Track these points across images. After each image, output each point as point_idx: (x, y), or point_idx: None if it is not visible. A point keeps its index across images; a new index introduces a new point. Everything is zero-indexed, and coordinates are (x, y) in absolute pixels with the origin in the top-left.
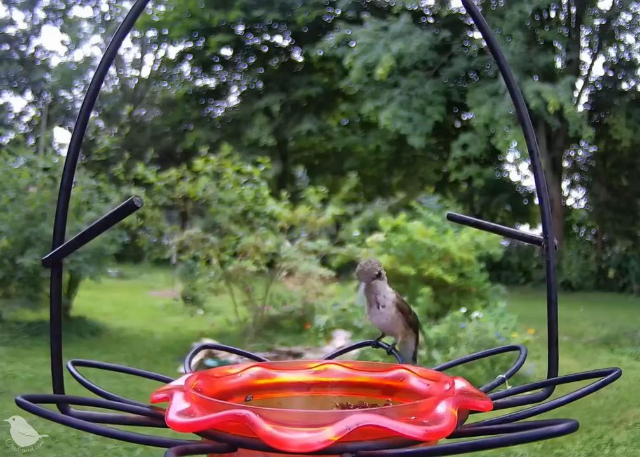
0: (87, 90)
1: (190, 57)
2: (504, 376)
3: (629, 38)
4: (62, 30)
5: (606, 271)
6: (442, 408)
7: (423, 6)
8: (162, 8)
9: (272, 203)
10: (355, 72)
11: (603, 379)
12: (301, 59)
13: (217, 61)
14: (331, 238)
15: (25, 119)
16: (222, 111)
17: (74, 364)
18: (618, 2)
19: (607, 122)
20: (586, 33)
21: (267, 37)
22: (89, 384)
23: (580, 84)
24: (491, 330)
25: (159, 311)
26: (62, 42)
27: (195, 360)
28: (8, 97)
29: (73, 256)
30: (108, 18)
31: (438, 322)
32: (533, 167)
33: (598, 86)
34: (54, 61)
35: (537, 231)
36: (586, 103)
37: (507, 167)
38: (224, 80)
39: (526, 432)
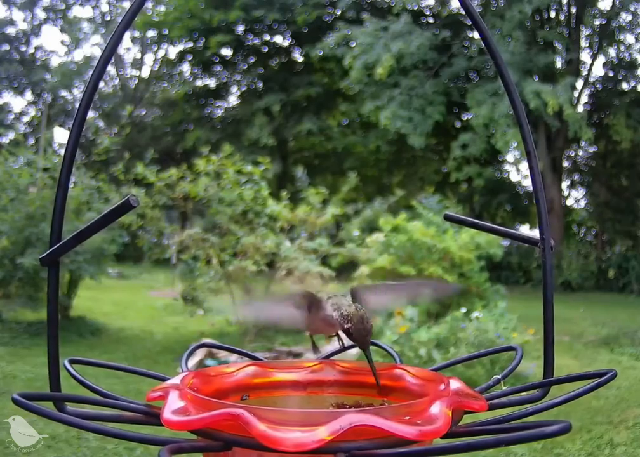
0: (85, 88)
1: (190, 57)
2: (499, 376)
3: (629, 38)
4: (62, 30)
5: (606, 271)
6: (436, 408)
7: (423, 6)
8: (162, 8)
9: (273, 203)
10: (355, 72)
11: (598, 381)
12: (301, 59)
13: (217, 61)
14: (331, 238)
15: (25, 119)
16: (222, 111)
17: (72, 362)
18: (618, 2)
19: (607, 122)
20: (587, 33)
21: (267, 37)
22: (86, 382)
23: (580, 84)
24: (491, 330)
25: (159, 311)
26: (62, 42)
27: (195, 359)
28: (8, 97)
29: (73, 255)
30: (108, 18)
31: (438, 322)
32: (530, 168)
33: (598, 86)
34: (54, 61)
35: (537, 232)
36: (586, 103)
37: (507, 167)
38: (224, 80)
39: (519, 433)
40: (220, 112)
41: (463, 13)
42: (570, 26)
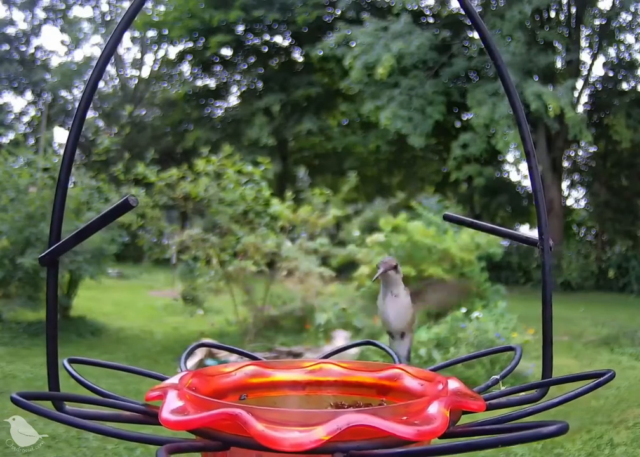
0: (84, 88)
1: (190, 57)
2: (498, 376)
3: (629, 38)
4: (62, 30)
5: (606, 271)
6: (434, 408)
7: (423, 6)
8: (162, 8)
9: (275, 203)
10: (355, 72)
11: (597, 381)
12: (301, 59)
13: (217, 61)
14: (331, 238)
15: (25, 119)
16: (222, 111)
17: (71, 361)
18: (618, 2)
19: (607, 122)
20: (587, 33)
21: (267, 37)
22: (85, 381)
23: (580, 84)
24: (491, 330)
25: (159, 311)
26: (62, 42)
27: (195, 359)
28: (8, 97)
29: (73, 255)
30: (108, 18)
31: (438, 322)
32: (529, 169)
33: (598, 86)
34: (54, 61)
35: (537, 232)
36: (586, 103)
37: (507, 167)
38: (224, 80)
39: (517, 433)
40: (219, 112)
41: (464, 12)
42: (570, 26)
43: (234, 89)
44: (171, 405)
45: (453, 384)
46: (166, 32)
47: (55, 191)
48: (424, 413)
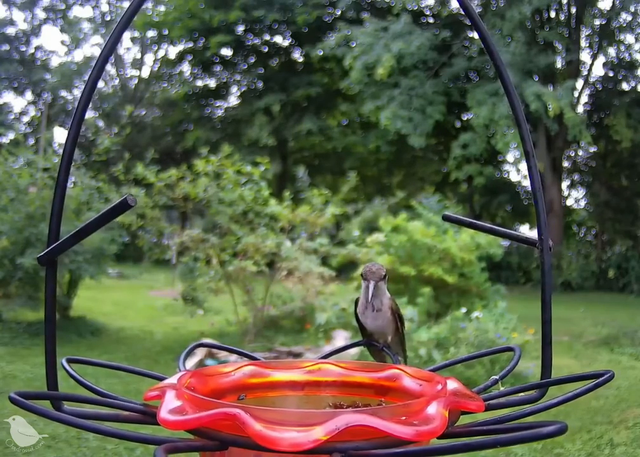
0: (84, 88)
1: (190, 57)
2: (497, 377)
3: (629, 38)
4: (62, 30)
5: (606, 271)
6: (433, 409)
7: (423, 6)
8: (162, 8)
9: (274, 203)
10: (355, 72)
11: (596, 382)
12: (301, 60)
13: (217, 61)
14: (331, 238)
15: (25, 119)
16: (222, 111)
17: (69, 361)
18: (618, 2)
19: (607, 122)
20: (587, 33)
21: (267, 37)
22: (84, 381)
23: (580, 84)
24: (491, 330)
25: (159, 311)
26: (62, 42)
27: (194, 359)
28: (8, 97)
29: (73, 255)
30: (108, 18)
31: (438, 322)
32: (529, 169)
33: (598, 86)
34: (54, 61)
35: (536, 232)
36: (586, 103)
37: (507, 167)
38: (224, 80)
39: (516, 434)
40: (219, 112)
41: (463, 13)
42: (570, 26)
43: (234, 89)
44: (169, 405)
45: (452, 384)
46: (166, 32)
47: (54, 191)
48: (423, 413)
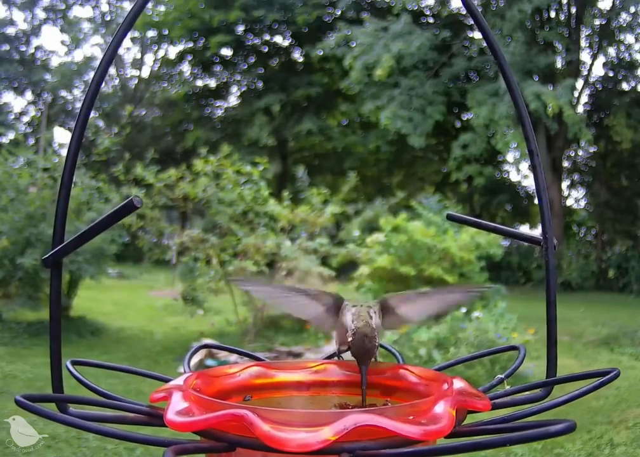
0: (87, 89)
1: (190, 57)
2: (502, 376)
3: (629, 38)
4: (62, 30)
5: (606, 271)
6: (440, 408)
7: (423, 6)
8: (162, 8)
9: (273, 203)
10: (355, 72)
11: (601, 380)
12: (301, 60)
13: (217, 61)
14: (331, 238)
15: (25, 119)
16: (222, 111)
17: (73, 363)
18: (618, 2)
19: (607, 122)
20: (587, 33)
21: (267, 37)
22: (88, 383)
23: (580, 84)
24: (491, 330)
25: (159, 311)
26: (62, 42)
27: (194, 360)
28: (8, 97)
29: (73, 256)
30: (108, 18)
31: (438, 322)
32: (533, 167)
33: (598, 86)
34: (54, 61)
35: (537, 232)
36: (586, 103)
37: (507, 167)
38: (224, 80)
39: (524, 432)
40: (219, 112)
41: (464, 12)
42: (570, 26)
43: (234, 89)
44: (176, 407)
45: (458, 383)
46: (166, 32)
47: (58, 193)
48: (430, 413)
